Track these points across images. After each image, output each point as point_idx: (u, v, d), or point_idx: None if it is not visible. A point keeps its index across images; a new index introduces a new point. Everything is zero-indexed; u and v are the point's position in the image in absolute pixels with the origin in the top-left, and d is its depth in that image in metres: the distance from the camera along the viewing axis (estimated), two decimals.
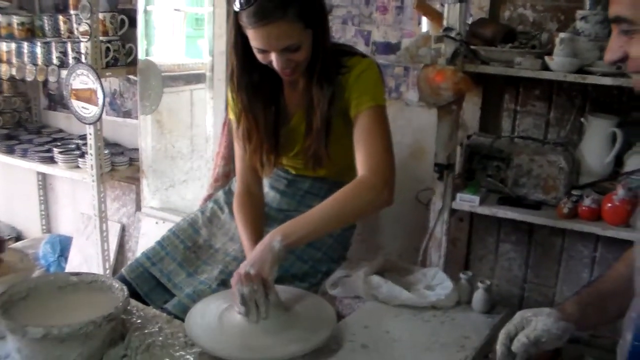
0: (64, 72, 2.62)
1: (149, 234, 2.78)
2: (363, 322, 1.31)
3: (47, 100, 3.40)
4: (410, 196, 2.16)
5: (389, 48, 2.24)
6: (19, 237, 3.57)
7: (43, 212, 3.50)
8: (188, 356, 1.13)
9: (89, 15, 2.45)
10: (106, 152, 2.74)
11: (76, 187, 3.26)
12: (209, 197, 2.04)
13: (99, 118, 2.55)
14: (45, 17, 2.88)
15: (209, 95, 2.59)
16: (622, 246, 1.62)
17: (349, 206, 1.35)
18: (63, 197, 3.43)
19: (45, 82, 3.23)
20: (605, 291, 1.09)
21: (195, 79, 2.75)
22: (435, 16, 1.85)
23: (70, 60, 2.66)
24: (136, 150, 2.87)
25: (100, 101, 2.50)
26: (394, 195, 1.39)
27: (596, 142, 1.81)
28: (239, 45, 1.41)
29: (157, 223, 2.81)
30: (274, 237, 1.28)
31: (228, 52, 2.06)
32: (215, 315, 1.23)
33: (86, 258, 3.07)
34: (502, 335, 1.05)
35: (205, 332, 1.18)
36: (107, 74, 2.66)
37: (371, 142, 1.40)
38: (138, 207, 2.96)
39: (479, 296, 1.37)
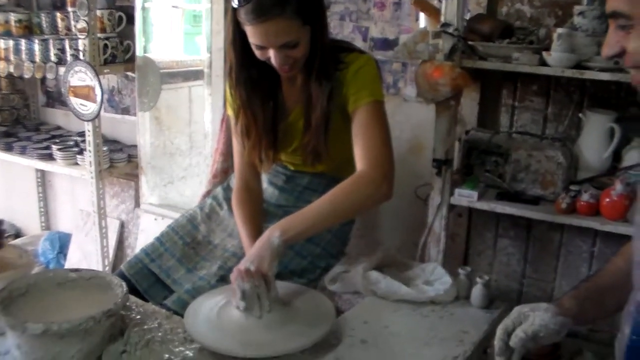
0: (62, 69, 2.62)
1: (147, 231, 2.79)
2: (362, 317, 1.32)
3: (45, 97, 3.39)
4: (409, 192, 2.16)
5: (387, 44, 2.24)
6: (18, 234, 3.56)
7: (42, 209, 3.50)
8: (187, 352, 1.13)
9: (86, 12, 2.45)
10: (105, 148, 2.74)
11: (75, 183, 3.26)
12: (207, 194, 2.04)
13: (98, 115, 2.55)
14: (42, 14, 2.88)
15: (207, 92, 2.59)
16: (620, 241, 1.62)
17: (348, 200, 1.35)
18: (62, 194, 3.43)
19: (43, 79, 3.23)
20: (603, 285, 1.09)
21: (194, 75, 2.75)
22: (433, 12, 1.86)
23: (68, 57, 2.66)
24: (135, 146, 2.87)
25: (99, 98, 2.50)
26: (393, 189, 1.39)
27: (594, 138, 1.82)
28: (237, 41, 1.41)
29: (156, 219, 2.81)
30: (273, 233, 1.28)
31: (226, 49, 2.06)
32: (214, 311, 1.23)
33: (85, 254, 3.07)
34: (499, 331, 1.05)
35: (204, 327, 1.18)
36: (105, 70, 2.66)
37: (369, 136, 1.40)
38: (137, 204, 2.96)
39: (477, 291, 1.37)
